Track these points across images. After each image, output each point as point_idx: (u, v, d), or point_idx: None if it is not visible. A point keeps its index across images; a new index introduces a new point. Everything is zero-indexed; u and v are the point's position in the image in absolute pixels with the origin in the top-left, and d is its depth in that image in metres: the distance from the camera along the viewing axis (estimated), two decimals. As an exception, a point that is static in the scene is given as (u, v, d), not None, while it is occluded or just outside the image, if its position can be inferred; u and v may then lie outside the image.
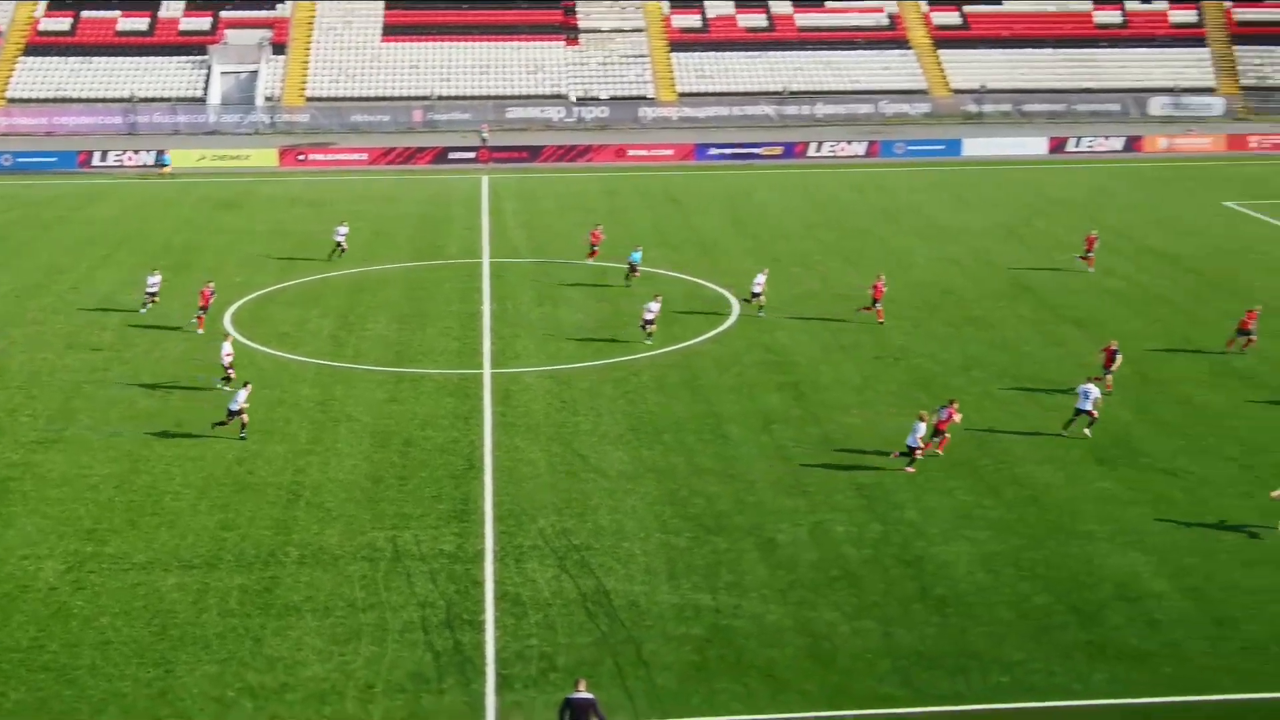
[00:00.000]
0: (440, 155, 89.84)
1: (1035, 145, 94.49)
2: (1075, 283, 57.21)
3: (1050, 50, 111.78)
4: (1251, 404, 42.42)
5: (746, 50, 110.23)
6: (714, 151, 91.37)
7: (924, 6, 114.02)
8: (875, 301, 50.67)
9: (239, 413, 38.56)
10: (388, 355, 47.06)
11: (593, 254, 60.92)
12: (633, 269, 56.67)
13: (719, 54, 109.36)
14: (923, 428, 36.53)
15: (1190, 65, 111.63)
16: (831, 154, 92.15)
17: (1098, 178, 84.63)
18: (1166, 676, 27.07)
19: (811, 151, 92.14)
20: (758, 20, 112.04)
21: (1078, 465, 37.39)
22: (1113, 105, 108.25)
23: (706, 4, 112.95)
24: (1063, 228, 68.49)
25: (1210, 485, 36.09)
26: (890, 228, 69.12)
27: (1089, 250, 59.24)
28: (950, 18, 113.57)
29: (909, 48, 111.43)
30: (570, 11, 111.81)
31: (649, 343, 47.99)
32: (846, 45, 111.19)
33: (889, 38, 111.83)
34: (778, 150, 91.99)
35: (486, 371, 45.29)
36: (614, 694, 26.45)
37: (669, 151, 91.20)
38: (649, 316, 48.13)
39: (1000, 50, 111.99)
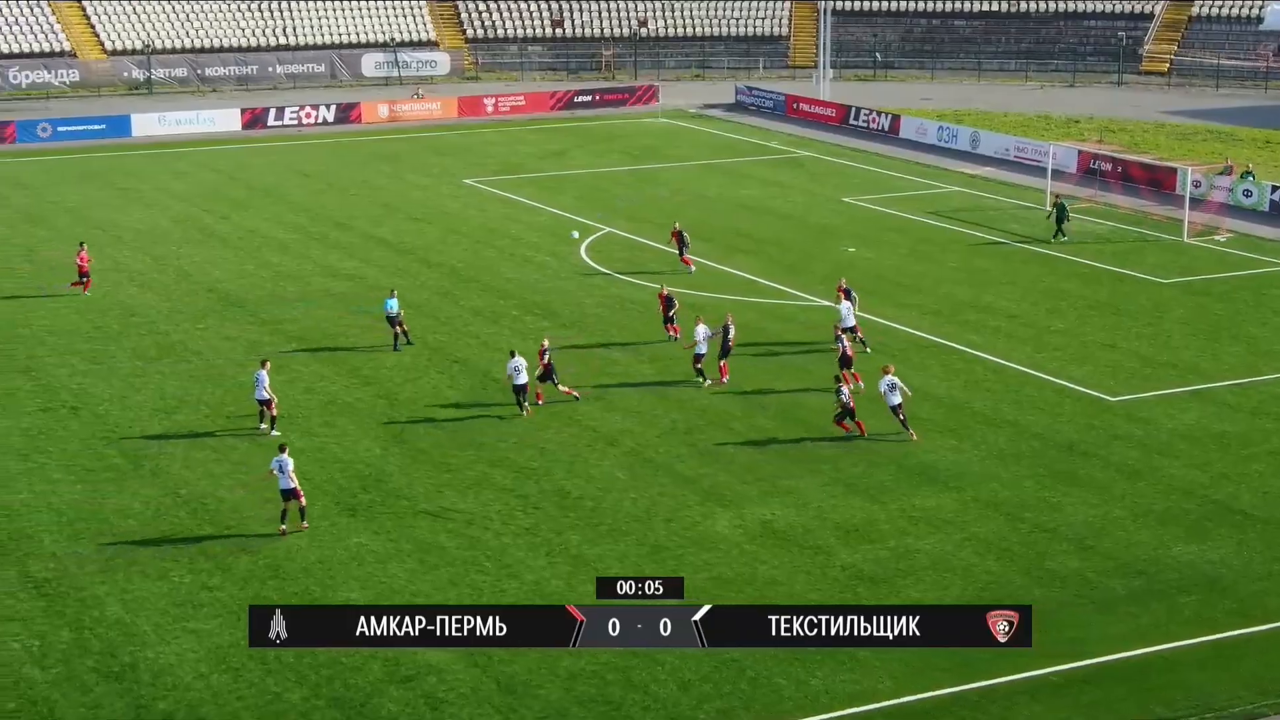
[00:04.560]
0: None
1: (226, 119, 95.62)
2: (289, 290, 58.31)
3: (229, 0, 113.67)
4: (496, 417, 45.09)
5: None
6: None
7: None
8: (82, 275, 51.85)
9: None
10: None
11: None
12: None
13: None
14: None
15: (404, 14, 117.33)
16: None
17: (310, 155, 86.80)
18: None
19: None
20: None
21: (322, 520, 38.04)
22: (317, 66, 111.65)
23: None
24: (267, 221, 69.72)
25: (479, 523, 37.96)
26: (41, 234, 67.55)
27: (676, 242, 60.32)
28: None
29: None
30: None
31: None
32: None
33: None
34: None
35: None
36: None
37: None
38: None
39: (163, 1, 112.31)
